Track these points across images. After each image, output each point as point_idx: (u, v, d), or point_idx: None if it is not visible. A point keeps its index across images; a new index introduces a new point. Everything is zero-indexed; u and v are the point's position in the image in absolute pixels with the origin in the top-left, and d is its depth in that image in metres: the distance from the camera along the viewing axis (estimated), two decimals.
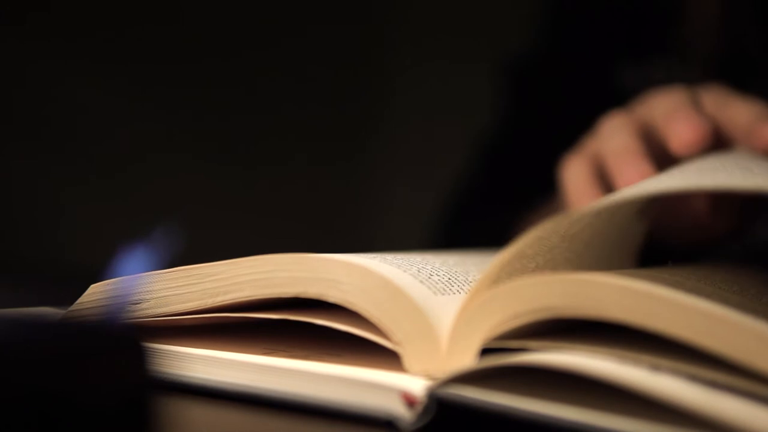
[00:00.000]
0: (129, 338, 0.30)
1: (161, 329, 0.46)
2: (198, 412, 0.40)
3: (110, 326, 0.32)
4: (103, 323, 0.33)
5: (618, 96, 0.87)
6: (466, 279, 0.46)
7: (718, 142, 0.59)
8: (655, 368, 0.36)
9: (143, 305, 0.45)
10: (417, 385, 0.38)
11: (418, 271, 0.44)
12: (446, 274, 0.45)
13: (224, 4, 1.48)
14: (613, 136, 0.59)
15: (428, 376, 0.40)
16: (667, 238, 0.63)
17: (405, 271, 0.43)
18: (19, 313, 0.46)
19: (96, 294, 0.45)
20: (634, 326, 0.37)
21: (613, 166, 0.58)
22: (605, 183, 0.60)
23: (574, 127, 0.91)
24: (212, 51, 1.47)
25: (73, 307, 0.46)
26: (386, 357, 0.41)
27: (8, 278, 0.98)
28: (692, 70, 0.82)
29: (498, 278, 0.40)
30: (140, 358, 0.30)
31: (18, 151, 1.40)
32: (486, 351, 0.40)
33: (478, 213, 0.95)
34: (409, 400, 0.38)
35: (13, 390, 0.27)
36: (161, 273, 0.45)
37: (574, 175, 0.61)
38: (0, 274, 1.08)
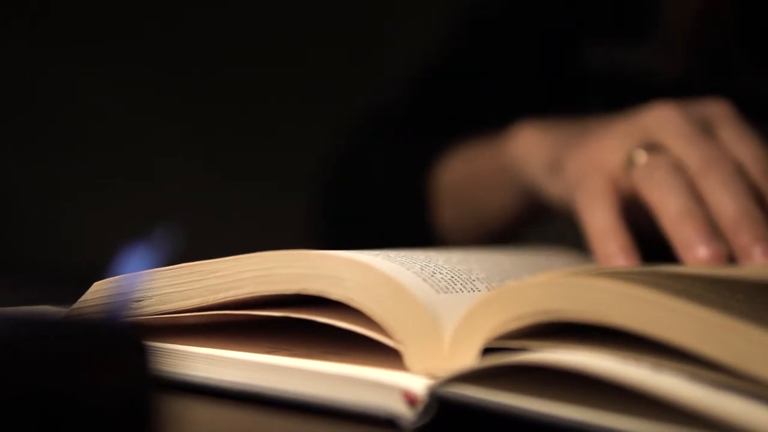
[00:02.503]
0: (131, 337, 0.30)
1: (163, 327, 0.46)
2: (199, 411, 0.40)
3: (112, 325, 0.32)
4: (105, 322, 0.33)
5: (583, 74, 0.85)
6: (469, 277, 0.46)
7: None
8: (657, 367, 0.36)
9: (145, 302, 0.45)
10: (418, 383, 0.38)
11: (421, 269, 0.44)
12: (449, 272, 0.45)
13: (224, 4, 1.48)
14: (672, 193, 0.57)
15: (430, 375, 0.39)
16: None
17: (408, 269, 0.43)
18: (20, 311, 0.46)
19: (99, 292, 0.45)
20: (636, 332, 0.37)
21: (673, 230, 0.56)
22: (631, 218, 0.59)
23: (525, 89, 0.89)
24: (213, 51, 1.47)
25: (77, 305, 0.46)
26: (388, 356, 0.41)
27: (8, 278, 0.98)
28: (669, 57, 0.81)
29: None
30: (142, 356, 0.30)
31: (18, 151, 1.40)
32: (486, 350, 0.40)
33: (394, 137, 0.91)
34: (411, 399, 0.38)
35: (14, 388, 0.27)
36: (163, 270, 0.45)
37: (601, 218, 0.59)
38: (0, 274, 1.08)
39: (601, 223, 0.59)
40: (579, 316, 0.38)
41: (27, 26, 1.39)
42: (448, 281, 0.44)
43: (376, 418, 0.38)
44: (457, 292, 0.44)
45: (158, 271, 0.45)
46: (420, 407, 0.38)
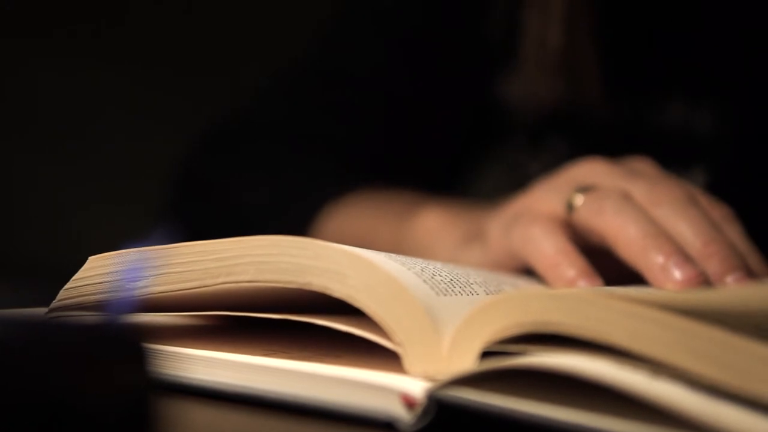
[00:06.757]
0: (129, 339, 0.30)
1: (162, 330, 0.46)
2: (197, 413, 0.40)
3: (110, 327, 0.32)
4: (103, 324, 0.33)
5: (493, 107, 0.80)
6: (467, 281, 0.46)
7: None
8: (655, 373, 0.36)
9: (143, 283, 0.44)
10: (417, 386, 0.38)
11: (422, 270, 0.44)
12: (448, 275, 0.45)
13: (225, 5, 1.48)
14: (629, 219, 0.52)
15: (428, 378, 0.40)
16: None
17: (409, 269, 0.43)
18: (18, 314, 0.46)
19: (94, 269, 0.44)
20: (637, 353, 0.37)
21: (640, 257, 0.52)
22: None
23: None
24: (212, 49, 1.47)
25: (70, 283, 0.45)
26: (386, 358, 0.41)
27: (8, 279, 0.98)
28: (535, 87, 0.77)
29: None
30: (140, 359, 0.30)
31: (17, 151, 1.40)
32: (485, 353, 0.40)
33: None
34: (409, 402, 0.38)
35: (11, 391, 0.27)
36: (163, 249, 0.44)
37: (549, 244, 0.53)
38: (0, 275, 1.08)
39: (550, 248, 0.53)
40: (579, 331, 0.38)
41: (25, 23, 1.39)
42: (448, 284, 0.44)
43: (374, 420, 0.38)
44: (456, 294, 0.44)
45: (158, 249, 0.44)
46: (418, 410, 0.38)
